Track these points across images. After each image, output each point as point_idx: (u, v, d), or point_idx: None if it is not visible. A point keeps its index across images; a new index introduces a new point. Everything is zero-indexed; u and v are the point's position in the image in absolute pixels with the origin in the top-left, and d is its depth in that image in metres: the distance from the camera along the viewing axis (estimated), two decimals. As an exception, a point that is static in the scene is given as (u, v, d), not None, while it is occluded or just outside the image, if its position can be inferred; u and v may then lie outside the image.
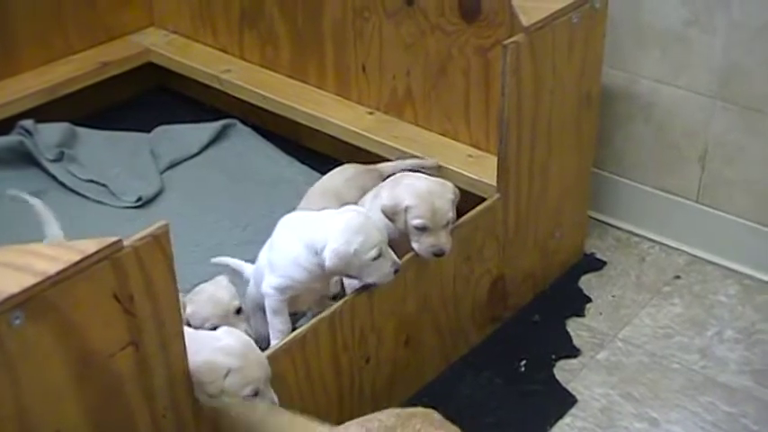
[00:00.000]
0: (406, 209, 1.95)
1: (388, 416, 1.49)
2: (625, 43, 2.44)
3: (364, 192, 2.18)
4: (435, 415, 1.53)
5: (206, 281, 2.02)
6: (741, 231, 2.44)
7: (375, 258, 1.84)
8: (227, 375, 1.60)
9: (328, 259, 1.82)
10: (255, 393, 1.62)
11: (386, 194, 1.99)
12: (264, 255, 1.99)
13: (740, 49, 2.28)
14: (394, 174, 2.21)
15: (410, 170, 2.26)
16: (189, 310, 1.88)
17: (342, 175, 2.29)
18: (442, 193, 1.98)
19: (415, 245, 1.96)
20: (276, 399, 1.66)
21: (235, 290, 1.96)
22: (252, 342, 1.69)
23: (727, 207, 2.45)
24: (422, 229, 1.95)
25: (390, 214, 1.97)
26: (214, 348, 1.64)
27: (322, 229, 1.86)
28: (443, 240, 1.96)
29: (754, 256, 2.44)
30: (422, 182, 2.00)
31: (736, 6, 2.24)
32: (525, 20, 2.05)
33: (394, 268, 1.87)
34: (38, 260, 1.36)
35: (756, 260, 2.44)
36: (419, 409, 1.55)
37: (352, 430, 1.48)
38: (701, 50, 2.33)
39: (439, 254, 1.96)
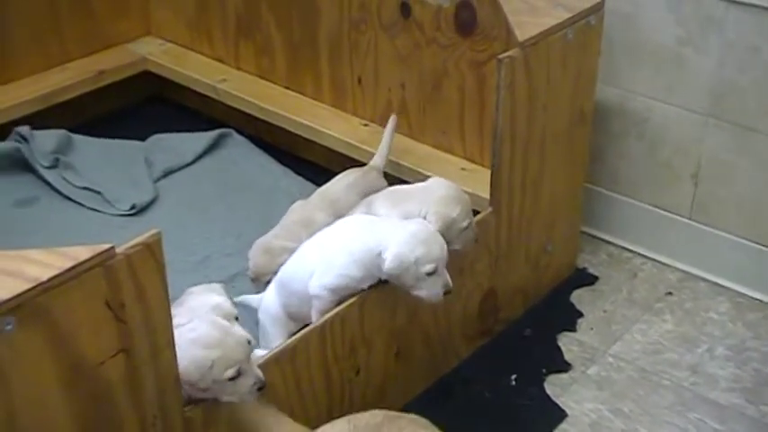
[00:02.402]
0: (457, 216, 1.97)
1: (375, 414, 1.51)
2: (619, 60, 2.45)
3: (364, 196, 2.18)
4: (423, 420, 1.54)
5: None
6: (733, 249, 2.45)
7: (430, 273, 1.84)
8: (211, 367, 1.60)
9: (389, 261, 1.82)
10: (239, 374, 1.61)
11: (433, 217, 1.96)
12: (297, 262, 1.99)
13: (733, 67, 2.29)
14: (381, 167, 2.34)
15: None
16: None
17: (342, 181, 2.31)
18: (459, 188, 2.05)
19: (457, 246, 1.98)
20: (261, 374, 1.65)
21: (228, 297, 1.94)
22: (226, 323, 1.66)
23: (720, 224, 2.46)
24: (466, 228, 2.00)
25: (446, 230, 1.95)
26: (191, 341, 1.61)
27: (386, 232, 1.87)
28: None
29: (746, 274, 2.45)
30: (441, 189, 2.02)
31: (730, 26, 2.25)
32: (520, 35, 2.07)
33: (445, 289, 1.87)
34: (30, 266, 1.36)
35: (748, 278, 2.45)
36: (408, 414, 1.56)
37: (339, 426, 1.50)
38: (695, 69, 2.35)
39: (476, 239, 2.04)
